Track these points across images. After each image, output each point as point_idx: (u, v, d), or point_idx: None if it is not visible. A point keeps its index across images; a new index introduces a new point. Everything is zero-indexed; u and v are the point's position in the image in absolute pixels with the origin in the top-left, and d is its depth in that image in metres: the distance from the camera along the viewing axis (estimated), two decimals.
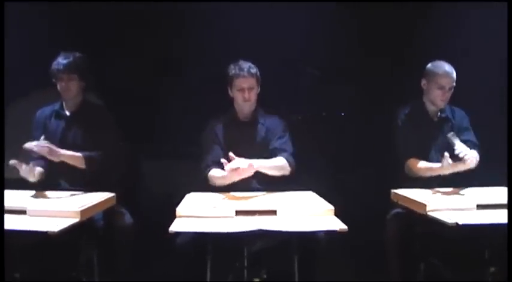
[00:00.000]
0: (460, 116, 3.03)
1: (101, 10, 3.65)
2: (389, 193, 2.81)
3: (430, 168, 2.83)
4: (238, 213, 2.33)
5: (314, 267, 2.57)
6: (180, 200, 2.54)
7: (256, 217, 2.32)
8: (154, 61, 3.84)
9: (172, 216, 2.30)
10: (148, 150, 3.85)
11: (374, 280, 2.96)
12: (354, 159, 3.36)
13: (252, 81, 2.87)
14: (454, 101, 2.95)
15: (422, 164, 2.88)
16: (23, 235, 2.28)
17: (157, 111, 3.90)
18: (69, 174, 2.93)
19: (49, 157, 2.73)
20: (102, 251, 2.70)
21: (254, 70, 2.88)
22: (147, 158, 3.83)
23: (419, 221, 2.59)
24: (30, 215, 2.33)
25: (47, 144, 2.71)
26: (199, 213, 2.32)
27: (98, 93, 3.38)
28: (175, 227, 2.17)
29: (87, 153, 2.88)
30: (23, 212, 2.35)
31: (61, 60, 2.92)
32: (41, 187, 2.85)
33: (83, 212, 2.33)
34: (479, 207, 2.39)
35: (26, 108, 3.29)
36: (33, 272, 2.52)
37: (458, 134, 2.86)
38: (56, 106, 3.07)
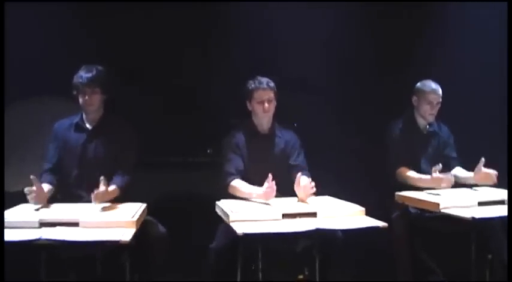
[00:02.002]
0: (447, 133, 3.48)
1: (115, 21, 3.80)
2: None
3: (419, 179, 3.18)
4: (284, 216, 2.56)
5: (331, 266, 2.85)
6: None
7: (298, 219, 2.56)
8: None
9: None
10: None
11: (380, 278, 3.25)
12: (352, 167, 3.70)
13: (271, 94, 3.09)
14: (441, 116, 3.40)
15: (412, 174, 3.24)
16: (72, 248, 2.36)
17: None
18: (91, 186, 2.84)
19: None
20: (138, 260, 2.77)
21: (272, 84, 3.11)
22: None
23: (424, 219, 3.00)
24: (83, 227, 2.38)
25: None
26: (251, 217, 2.51)
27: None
28: (242, 229, 2.33)
29: (119, 180, 2.91)
30: (75, 224, 2.40)
31: (84, 74, 2.94)
32: (61, 200, 2.91)
33: (137, 222, 2.44)
34: (480, 204, 2.82)
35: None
36: None
37: (444, 149, 3.37)
38: (76, 119, 3.07)
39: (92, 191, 2.86)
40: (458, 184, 3.26)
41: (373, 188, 3.49)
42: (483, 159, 3.05)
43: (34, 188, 2.65)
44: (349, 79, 3.98)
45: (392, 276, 3.14)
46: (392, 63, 3.99)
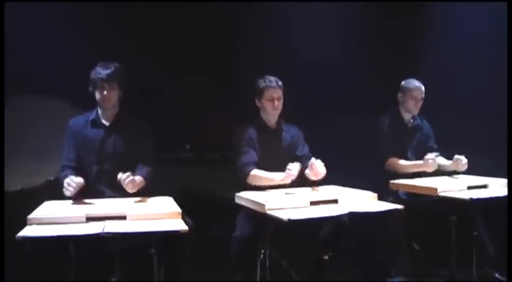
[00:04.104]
0: (428, 126, 3.87)
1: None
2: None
3: (412, 165, 3.57)
4: (312, 203, 2.78)
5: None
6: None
7: (322, 206, 2.80)
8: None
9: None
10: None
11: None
12: (345, 158, 3.98)
13: (280, 92, 3.31)
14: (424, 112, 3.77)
15: (403, 162, 3.61)
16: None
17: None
18: (111, 181, 2.97)
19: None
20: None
21: (280, 83, 3.33)
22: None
23: (419, 203, 3.33)
24: (132, 220, 2.46)
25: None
26: (284, 205, 2.70)
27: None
28: (294, 215, 2.51)
29: (144, 172, 2.99)
30: (123, 217, 2.48)
31: (103, 70, 2.99)
32: (84, 195, 2.91)
33: (182, 213, 2.56)
34: (469, 188, 3.20)
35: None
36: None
37: (427, 141, 3.78)
38: (92, 115, 3.11)
39: (113, 186, 2.98)
40: (439, 172, 3.64)
41: (365, 178, 3.79)
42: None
43: (77, 181, 2.72)
44: (337, 78, 4.29)
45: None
46: (380, 63, 4.34)
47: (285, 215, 2.51)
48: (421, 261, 3.50)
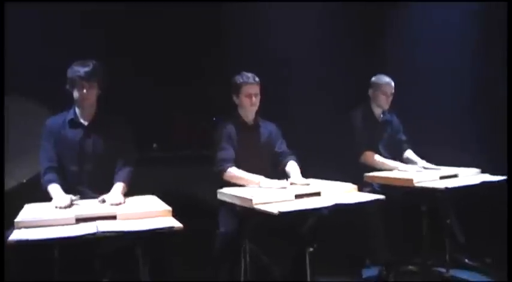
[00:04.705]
0: (397, 121, 4.01)
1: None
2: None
3: (383, 163, 3.69)
4: (297, 196, 2.84)
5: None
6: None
7: (306, 199, 2.85)
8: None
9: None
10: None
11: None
12: (319, 152, 4.07)
13: (257, 88, 3.34)
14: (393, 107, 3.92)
15: (379, 158, 3.73)
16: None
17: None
18: (92, 182, 2.97)
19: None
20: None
21: (257, 79, 3.35)
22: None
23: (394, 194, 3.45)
24: (122, 219, 2.45)
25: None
26: (270, 199, 2.74)
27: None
28: (284, 208, 2.57)
29: (125, 174, 2.97)
30: (113, 217, 2.46)
31: (81, 68, 2.91)
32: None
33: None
34: (441, 178, 3.36)
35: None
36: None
37: (397, 134, 3.94)
38: (69, 115, 3.03)
39: (93, 187, 2.95)
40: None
41: (339, 170, 3.89)
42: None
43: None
44: (311, 74, 4.38)
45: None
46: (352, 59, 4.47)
47: (274, 209, 2.56)
48: (396, 250, 3.63)
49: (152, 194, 2.97)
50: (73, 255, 2.61)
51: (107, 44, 4.01)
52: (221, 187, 3.13)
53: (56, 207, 2.60)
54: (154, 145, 4.61)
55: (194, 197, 4.06)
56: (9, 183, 3.62)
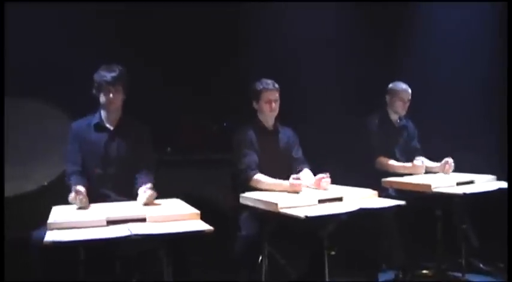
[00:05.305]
0: (412, 127, 4.07)
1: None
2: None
3: (401, 167, 3.73)
4: (320, 201, 2.88)
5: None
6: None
7: (329, 204, 2.89)
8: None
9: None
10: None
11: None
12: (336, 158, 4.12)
13: (277, 94, 3.40)
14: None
15: (393, 162, 3.78)
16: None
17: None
18: (115, 185, 3.02)
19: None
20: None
21: (277, 85, 3.41)
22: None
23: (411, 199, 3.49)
24: (152, 222, 2.48)
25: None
26: (295, 204, 2.78)
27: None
28: (310, 212, 2.61)
29: (147, 179, 2.96)
30: (142, 219, 2.49)
31: (108, 73, 2.98)
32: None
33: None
34: (458, 184, 3.40)
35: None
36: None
37: (412, 141, 3.99)
38: (95, 119, 3.09)
39: (117, 190, 3.00)
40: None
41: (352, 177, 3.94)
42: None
43: (80, 192, 2.68)
44: (329, 80, 4.44)
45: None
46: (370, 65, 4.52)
47: (300, 213, 2.61)
48: (411, 254, 3.68)
49: (176, 197, 3.02)
50: (99, 257, 2.67)
51: (122, 47, 4.05)
52: (243, 191, 3.16)
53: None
54: (168, 149, 4.66)
55: (210, 200, 4.10)
56: (27, 187, 3.67)
